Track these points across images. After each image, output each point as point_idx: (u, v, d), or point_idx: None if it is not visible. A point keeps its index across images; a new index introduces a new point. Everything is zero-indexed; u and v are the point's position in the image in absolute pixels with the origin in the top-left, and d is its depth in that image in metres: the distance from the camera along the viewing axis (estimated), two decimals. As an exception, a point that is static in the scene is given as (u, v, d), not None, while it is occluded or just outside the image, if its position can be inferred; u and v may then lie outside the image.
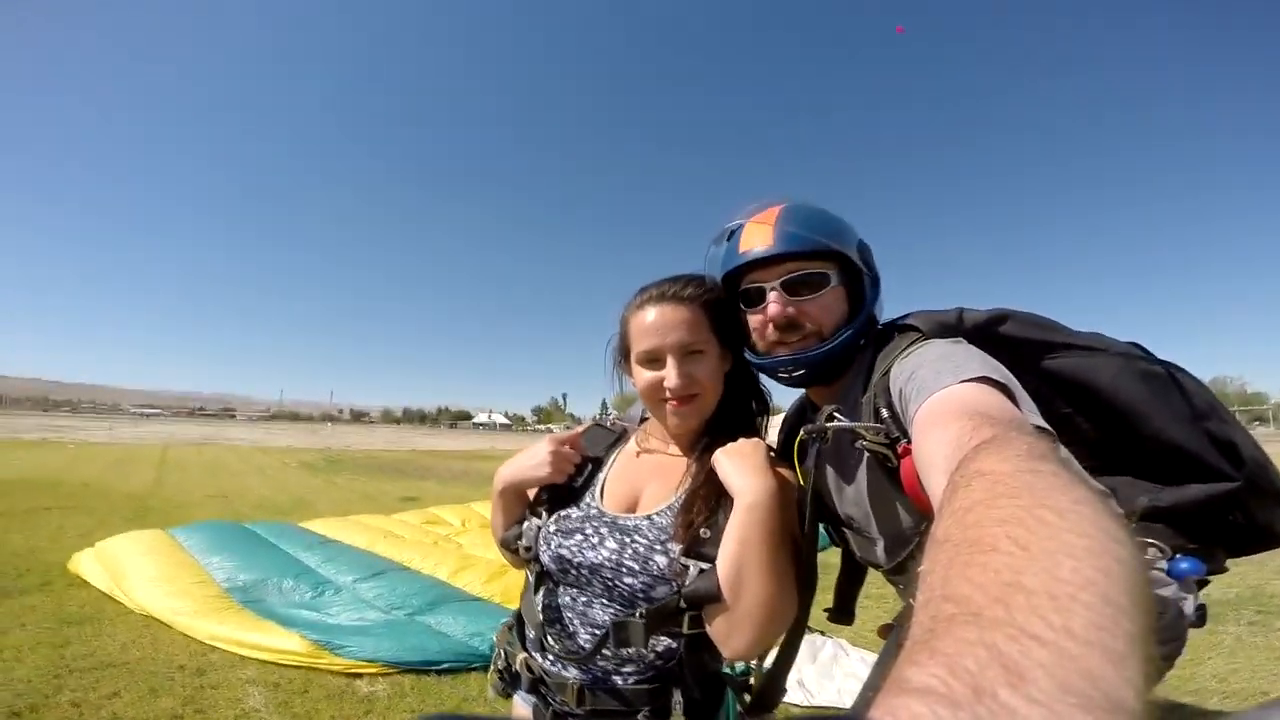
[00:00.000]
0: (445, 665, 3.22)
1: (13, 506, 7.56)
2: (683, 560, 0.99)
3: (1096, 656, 0.26)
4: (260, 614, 3.69)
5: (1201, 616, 0.99)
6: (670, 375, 1.05)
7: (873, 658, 2.84)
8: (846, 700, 2.88)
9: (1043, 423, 0.76)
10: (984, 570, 0.33)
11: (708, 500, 1.03)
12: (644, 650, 1.02)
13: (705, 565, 0.97)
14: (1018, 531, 0.35)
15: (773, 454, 1.11)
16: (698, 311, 1.08)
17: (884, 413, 0.95)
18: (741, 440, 1.06)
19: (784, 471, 1.09)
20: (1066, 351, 1.02)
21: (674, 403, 1.07)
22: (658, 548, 1.02)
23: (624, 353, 1.16)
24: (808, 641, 3.38)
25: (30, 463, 13.69)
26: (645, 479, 1.14)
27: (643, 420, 1.26)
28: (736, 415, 1.16)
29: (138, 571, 4.22)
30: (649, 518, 1.07)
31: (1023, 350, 1.01)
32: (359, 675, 3.09)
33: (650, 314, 1.08)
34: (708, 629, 0.96)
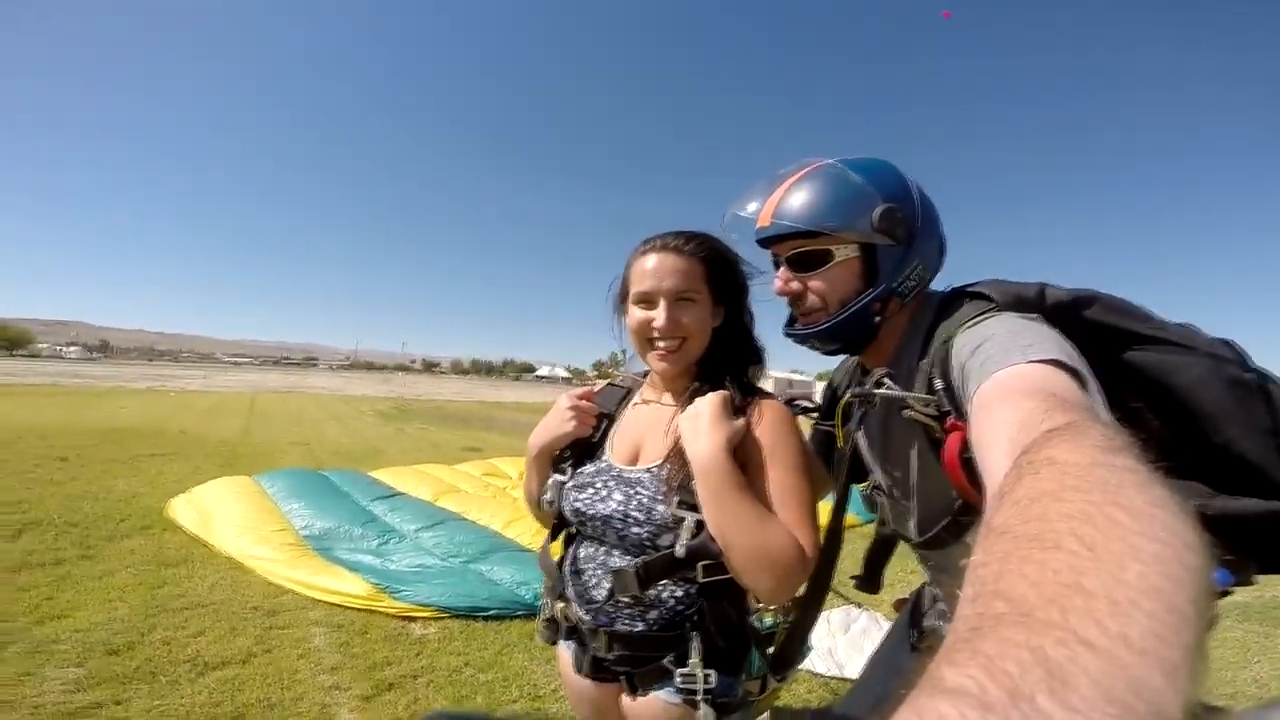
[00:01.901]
0: (492, 612, 3.44)
1: (121, 453, 8.34)
2: (677, 512, 1.06)
3: (1149, 666, 0.25)
4: (330, 560, 4.01)
5: (1211, 625, 0.94)
6: (659, 316, 1.12)
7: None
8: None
9: (1109, 415, 0.72)
10: (1042, 569, 0.32)
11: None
12: (663, 597, 1.09)
13: (699, 515, 1.04)
14: (1085, 530, 0.34)
15: (736, 402, 1.14)
16: (694, 263, 1.15)
17: (938, 384, 0.93)
18: (698, 400, 1.11)
19: (767, 408, 1.13)
20: (1151, 345, 0.94)
21: (660, 347, 1.14)
22: (659, 498, 1.09)
23: (623, 296, 1.23)
24: (842, 612, 3.40)
25: (136, 411, 15.03)
26: (645, 430, 1.21)
27: (646, 374, 1.32)
28: (726, 366, 1.20)
29: (225, 519, 4.62)
30: (649, 470, 1.13)
31: (1104, 337, 0.95)
32: (413, 619, 3.34)
33: (651, 260, 1.15)
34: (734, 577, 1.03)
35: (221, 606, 3.37)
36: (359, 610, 3.41)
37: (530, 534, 4.66)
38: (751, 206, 1.14)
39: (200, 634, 3.02)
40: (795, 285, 1.10)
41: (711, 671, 1.05)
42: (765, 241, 1.14)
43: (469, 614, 3.40)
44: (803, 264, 1.09)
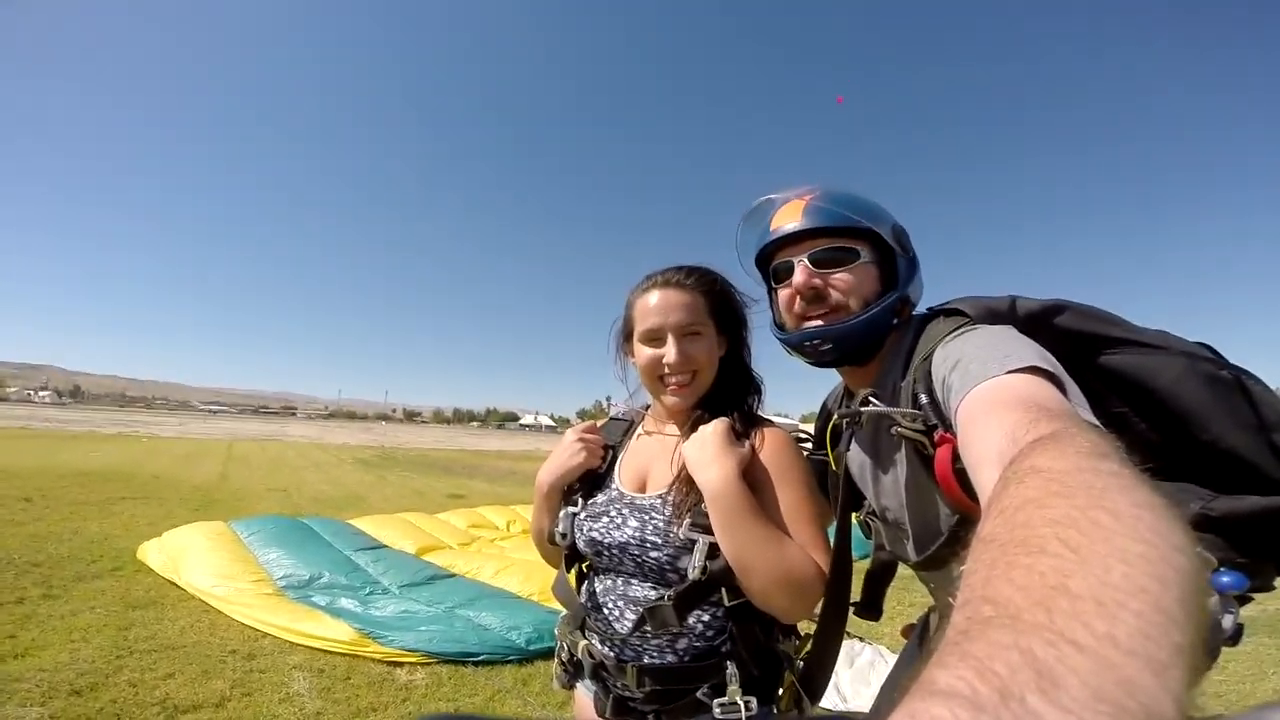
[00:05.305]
0: (482, 657, 3.28)
1: (91, 496, 8.07)
2: (689, 534, 1.05)
3: (1138, 666, 0.25)
4: (311, 606, 3.83)
5: (1237, 635, 0.93)
6: (670, 352, 1.13)
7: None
8: (883, 708, 2.82)
9: (1093, 418, 0.71)
10: (1028, 572, 0.32)
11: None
12: (690, 625, 1.06)
13: (712, 538, 1.03)
14: (1069, 533, 0.34)
15: (739, 429, 1.14)
16: (697, 297, 1.16)
17: (923, 399, 0.93)
18: (702, 428, 1.11)
19: (769, 435, 1.14)
20: (1125, 348, 0.96)
21: (672, 383, 1.14)
22: (674, 522, 1.08)
23: (626, 334, 1.24)
24: (845, 646, 3.29)
25: (108, 456, 14.59)
26: (651, 460, 1.21)
27: (647, 407, 1.33)
28: (728, 396, 1.20)
29: (199, 565, 4.39)
30: (661, 497, 1.13)
31: (1078, 344, 0.96)
32: (399, 664, 3.18)
33: (654, 296, 1.16)
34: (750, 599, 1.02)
35: (194, 649, 3.18)
36: (342, 655, 3.23)
37: (518, 582, 4.50)
38: (781, 216, 1.14)
39: (170, 676, 2.84)
40: (818, 281, 1.09)
41: (752, 699, 1.01)
42: (786, 241, 1.13)
43: (458, 659, 3.24)
44: (825, 263, 1.09)
